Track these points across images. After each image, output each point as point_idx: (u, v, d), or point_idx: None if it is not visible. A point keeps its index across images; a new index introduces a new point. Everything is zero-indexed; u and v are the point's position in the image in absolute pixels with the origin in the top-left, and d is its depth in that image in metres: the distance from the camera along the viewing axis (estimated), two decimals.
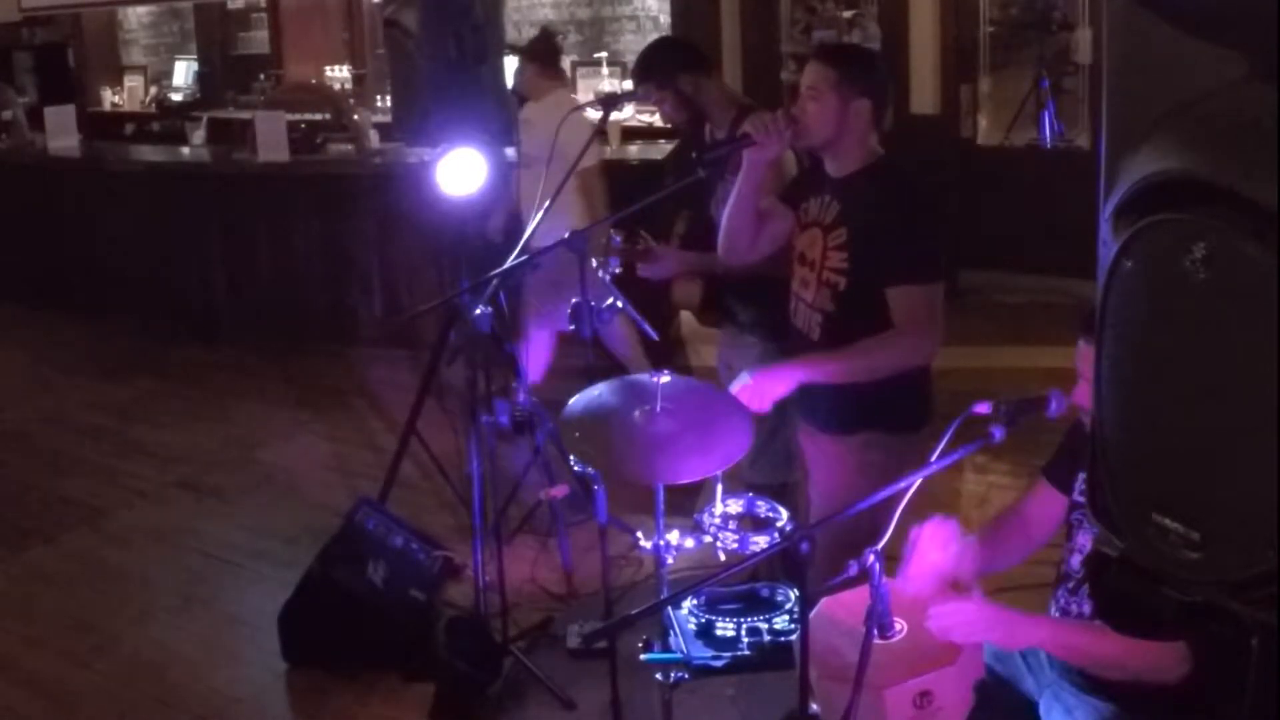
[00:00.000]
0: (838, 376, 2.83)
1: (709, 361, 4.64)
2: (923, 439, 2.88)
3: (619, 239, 3.36)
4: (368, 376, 6.31)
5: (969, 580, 2.28)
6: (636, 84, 3.72)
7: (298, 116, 7.39)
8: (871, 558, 1.99)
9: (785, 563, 2.70)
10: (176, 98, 10.62)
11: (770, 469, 3.54)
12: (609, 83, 9.13)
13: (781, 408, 3.56)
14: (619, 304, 3.28)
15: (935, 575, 2.26)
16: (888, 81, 2.96)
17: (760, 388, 2.82)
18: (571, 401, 2.86)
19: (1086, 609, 2.32)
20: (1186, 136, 1.15)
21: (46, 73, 10.24)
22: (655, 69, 3.66)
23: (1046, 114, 7.22)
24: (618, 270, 3.33)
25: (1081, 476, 2.34)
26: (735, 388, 2.85)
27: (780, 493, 3.40)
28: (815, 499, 3.10)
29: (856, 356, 2.80)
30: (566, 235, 3.17)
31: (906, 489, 2.14)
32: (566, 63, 9.09)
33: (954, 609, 2.16)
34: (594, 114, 4.02)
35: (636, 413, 2.75)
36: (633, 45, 9.23)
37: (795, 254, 3.02)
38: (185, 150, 7.78)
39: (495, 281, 3.53)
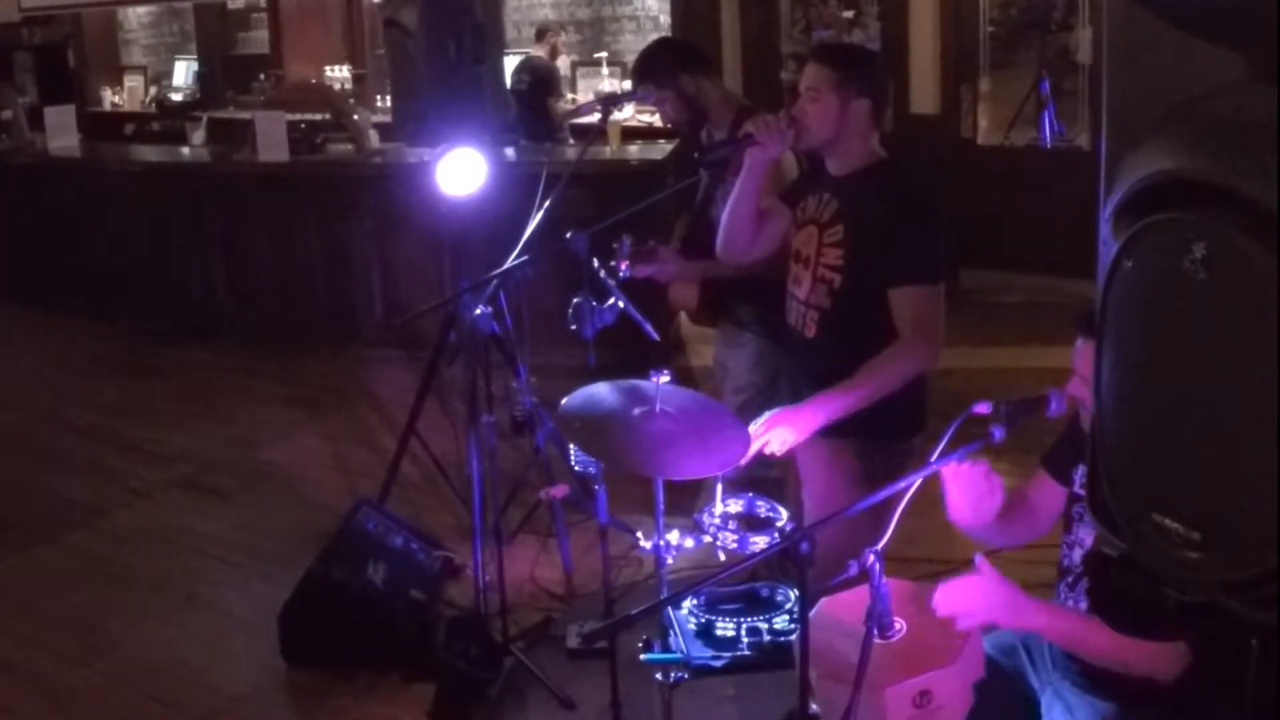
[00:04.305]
0: (857, 406, 2.78)
1: (709, 361, 4.64)
2: (918, 446, 2.88)
3: (628, 243, 3.36)
4: (368, 376, 6.30)
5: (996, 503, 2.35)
6: (637, 84, 3.71)
7: (298, 116, 7.38)
8: (871, 558, 1.99)
9: (785, 563, 2.71)
10: (176, 98, 10.63)
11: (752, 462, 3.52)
12: (609, 83, 9.14)
13: (769, 401, 3.56)
14: (621, 304, 3.28)
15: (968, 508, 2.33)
16: (887, 81, 2.96)
17: (780, 433, 2.76)
18: (570, 396, 2.86)
19: (1086, 604, 2.32)
20: (1186, 136, 1.15)
21: (46, 73, 10.25)
22: (656, 69, 3.65)
23: (1046, 114, 7.21)
24: (627, 275, 3.33)
25: (1080, 469, 2.35)
26: (753, 431, 2.77)
27: (760, 485, 3.39)
28: (809, 504, 3.08)
29: (868, 382, 2.77)
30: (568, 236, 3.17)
31: (906, 489, 2.14)
32: (566, 63, 9.12)
33: (961, 585, 2.15)
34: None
35: (636, 411, 2.75)
36: (633, 45, 9.24)
37: (790, 251, 3.01)
38: (185, 150, 7.77)
39: (495, 281, 3.54)
